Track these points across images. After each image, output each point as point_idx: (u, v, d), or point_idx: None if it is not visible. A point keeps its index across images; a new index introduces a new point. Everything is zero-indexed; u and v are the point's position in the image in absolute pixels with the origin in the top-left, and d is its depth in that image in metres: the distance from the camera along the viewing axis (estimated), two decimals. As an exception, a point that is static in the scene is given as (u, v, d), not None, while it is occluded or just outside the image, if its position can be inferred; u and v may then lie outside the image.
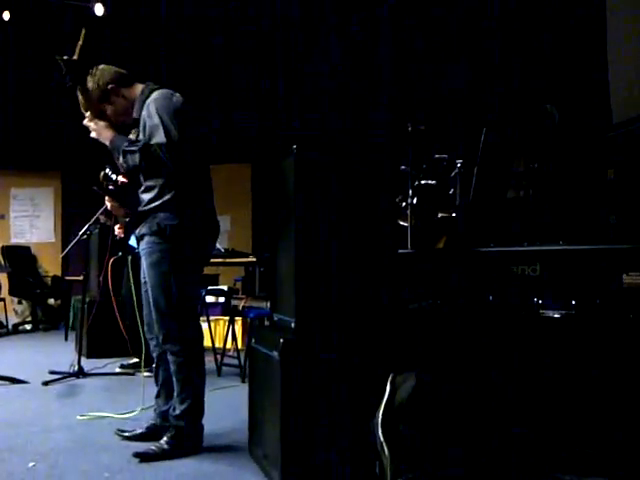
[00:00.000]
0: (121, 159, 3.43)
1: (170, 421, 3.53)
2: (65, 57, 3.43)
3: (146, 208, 3.49)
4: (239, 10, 9.40)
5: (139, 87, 3.60)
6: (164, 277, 3.42)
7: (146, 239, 3.48)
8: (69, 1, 9.34)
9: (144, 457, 3.37)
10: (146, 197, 3.50)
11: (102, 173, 3.72)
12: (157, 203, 3.44)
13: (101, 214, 6.11)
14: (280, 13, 9.25)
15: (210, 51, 9.85)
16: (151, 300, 3.50)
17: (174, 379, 3.52)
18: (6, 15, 9.41)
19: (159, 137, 3.33)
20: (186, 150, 3.38)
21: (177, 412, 3.48)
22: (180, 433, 3.46)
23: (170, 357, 3.50)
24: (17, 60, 10.02)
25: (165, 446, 3.44)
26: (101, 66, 3.61)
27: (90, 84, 3.55)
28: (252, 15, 9.41)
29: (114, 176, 3.63)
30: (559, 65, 6.28)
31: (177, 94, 3.52)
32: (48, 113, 10.19)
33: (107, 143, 3.49)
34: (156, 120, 3.36)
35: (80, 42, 3.49)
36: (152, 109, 3.40)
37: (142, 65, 3.77)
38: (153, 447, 3.44)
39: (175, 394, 3.52)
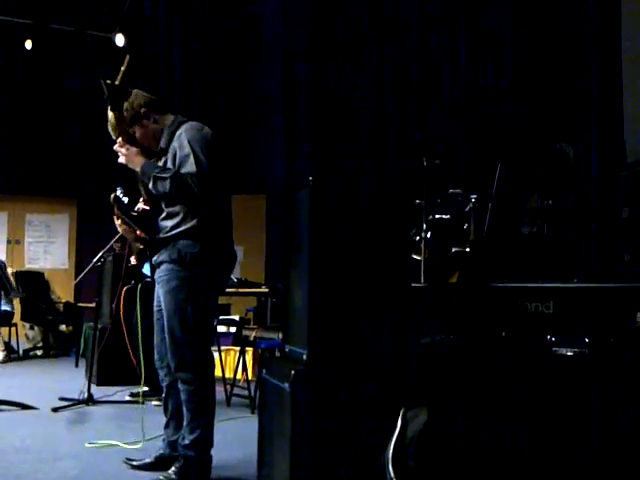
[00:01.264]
0: (151, 185, 3.44)
1: (179, 451, 3.50)
2: (108, 81, 3.47)
3: (167, 235, 3.50)
4: (256, 42, 9.51)
5: (170, 117, 3.66)
6: (181, 304, 3.42)
7: (164, 266, 3.50)
8: (90, 31, 9.50)
9: None
10: (168, 224, 3.51)
11: (113, 195, 3.75)
12: (179, 230, 3.45)
13: (116, 242, 6.15)
14: (295, 44, 9.34)
15: (227, 82, 9.96)
16: (166, 327, 3.48)
17: (184, 408, 3.49)
18: (28, 44, 9.56)
19: (189, 167, 3.37)
20: (213, 181, 3.41)
21: (186, 441, 3.45)
22: (188, 463, 3.42)
23: (181, 385, 3.49)
24: (35, 87, 10.16)
25: (173, 476, 3.41)
26: (136, 90, 3.67)
27: (125, 104, 3.58)
28: (269, 46, 9.51)
29: (125, 199, 3.64)
30: (575, 103, 6.30)
31: (206, 127, 3.57)
32: (65, 140, 10.31)
33: (137, 169, 3.51)
34: (187, 150, 3.40)
35: (123, 68, 3.52)
36: (184, 140, 3.45)
37: (160, 96, 3.83)
38: (161, 477, 3.42)
39: (185, 423, 3.49)
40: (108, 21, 9.61)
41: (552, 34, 6.59)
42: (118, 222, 3.87)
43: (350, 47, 8.71)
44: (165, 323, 3.50)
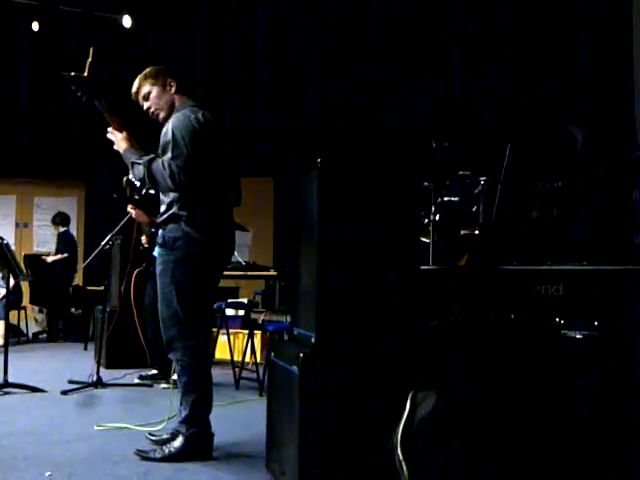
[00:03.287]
0: (130, 171, 3.63)
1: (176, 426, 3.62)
2: (73, 73, 3.55)
3: (158, 220, 3.67)
4: (264, 25, 9.45)
5: (183, 99, 3.74)
6: (166, 287, 3.57)
7: (157, 250, 3.68)
8: (98, 13, 9.45)
9: (144, 455, 3.53)
10: (161, 210, 3.67)
11: (125, 178, 3.85)
12: (165, 216, 3.60)
13: (127, 221, 6.14)
14: (300, 31, 9.28)
15: (235, 64, 9.91)
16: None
17: (178, 385, 3.65)
18: (35, 26, 9.52)
19: (169, 153, 3.47)
20: (197, 167, 3.48)
21: (180, 418, 3.58)
22: (181, 438, 3.53)
23: (175, 364, 3.65)
24: (44, 71, 10.13)
25: (166, 450, 3.52)
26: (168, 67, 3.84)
27: (157, 67, 3.77)
28: (275, 31, 9.46)
29: (138, 182, 3.73)
30: (585, 84, 6.25)
31: (200, 112, 3.62)
32: (73, 123, 10.29)
33: (121, 153, 3.66)
34: (169, 137, 3.51)
35: (90, 59, 3.62)
36: (169, 126, 3.56)
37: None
38: (157, 449, 3.56)
39: (179, 401, 3.62)
40: (115, 3, 9.58)
41: (564, 14, 6.53)
42: (130, 207, 3.96)
43: (357, 33, 8.66)
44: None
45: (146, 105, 3.76)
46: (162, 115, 3.74)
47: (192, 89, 3.81)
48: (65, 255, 9.52)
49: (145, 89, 3.74)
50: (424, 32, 7.98)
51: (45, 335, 9.65)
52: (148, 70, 3.77)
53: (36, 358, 7.72)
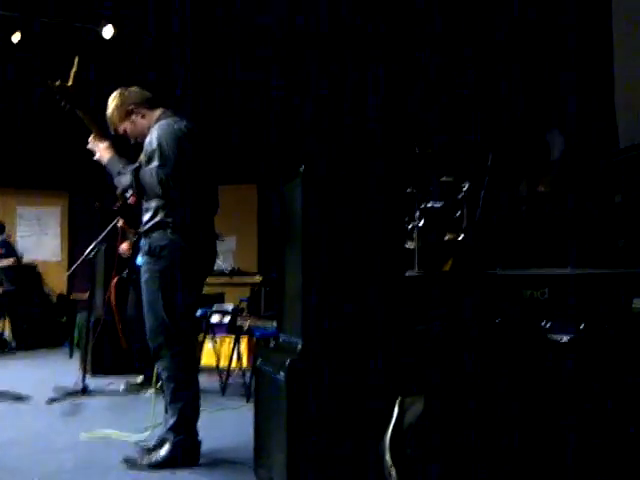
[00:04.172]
0: (115, 179, 3.63)
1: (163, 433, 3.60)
2: (57, 83, 3.55)
3: (143, 229, 3.65)
4: (245, 29, 9.45)
5: (157, 112, 3.76)
6: (152, 296, 3.57)
7: (142, 259, 3.66)
8: (77, 24, 9.42)
9: (131, 464, 3.51)
10: (144, 219, 3.66)
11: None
12: (151, 224, 3.59)
13: (114, 227, 6.13)
14: (284, 35, 9.28)
15: (218, 71, 9.91)
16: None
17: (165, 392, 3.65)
18: (16, 37, 9.48)
19: (155, 162, 3.49)
20: (182, 175, 3.50)
21: (167, 425, 3.57)
22: (168, 446, 3.52)
23: (161, 372, 3.64)
24: (25, 81, 10.08)
25: (153, 458, 3.51)
26: (132, 88, 3.82)
27: (116, 101, 3.75)
28: (258, 35, 9.45)
29: (121, 191, 3.73)
30: (566, 89, 6.30)
31: (183, 121, 3.65)
32: (56, 133, 10.24)
33: (105, 163, 3.67)
34: (155, 145, 3.52)
35: (74, 69, 3.64)
36: (153, 135, 3.57)
37: (148, 87, 3.89)
38: (145, 457, 3.54)
39: (166, 408, 3.62)
40: (96, 13, 9.55)
41: (545, 19, 6.58)
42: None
43: (340, 37, 8.67)
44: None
45: (131, 139, 3.81)
46: (145, 138, 3.74)
47: (168, 98, 3.82)
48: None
49: (120, 128, 3.78)
50: (406, 36, 8.01)
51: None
52: (110, 111, 3.77)
53: (21, 367, 7.67)
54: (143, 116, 3.74)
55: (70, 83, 3.60)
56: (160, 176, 3.43)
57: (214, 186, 3.85)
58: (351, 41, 8.49)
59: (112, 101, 3.77)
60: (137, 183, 3.49)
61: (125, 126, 3.76)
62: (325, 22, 8.65)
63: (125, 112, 3.74)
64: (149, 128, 3.69)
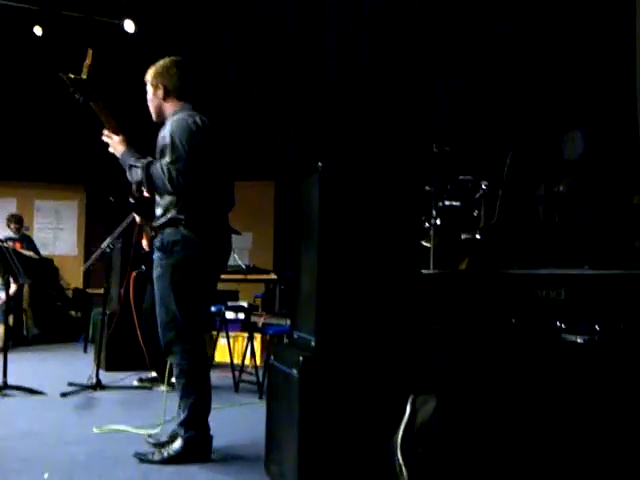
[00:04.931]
0: (127, 173, 3.61)
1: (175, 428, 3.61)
2: (72, 75, 3.55)
3: (156, 224, 3.66)
4: (267, 28, 9.45)
5: (178, 105, 3.73)
6: (164, 291, 3.57)
7: (155, 254, 3.67)
8: (99, 17, 9.46)
9: (143, 458, 3.53)
10: (157, 213, 3.67)
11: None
12: (163, 220, 3.60)
13: (127, 224, 6.14)
14: (302, 29, 9.27)
15: (236, 67, 9.91)
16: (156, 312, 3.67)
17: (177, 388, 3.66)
18: (38, 30, 9.53)
19: (167, 157, 3.48)
20: (194, 172, 3.48)
21: (179, 420, 3.57)
22: (179, 441, 3.53)
23: (173, 367, 3.66)
24: (45, 74, 10.14)
25: (165, 453, 3.52)
26: (175, 70, 3.75)
27: (159, 69, 3.75)
28: (275, 34, 9.44)
29: (134, 186, 3.75)
30: (586, 89, 6.25)
31: (198, 116, 3.63)
32: (74, 127, 10.28)
33: (118, 157, 3.66)
34: (167, 140, 3.51)
35: (88, 61, 3.63)
36: (167, 130, 3.56)
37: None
38: (156, 451, 3.55)
39: (178, 403, 3.62)
40: (117, 7, 9.59)
41: (563, 16, 6.53)
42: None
43: (357, 31, 8.65)
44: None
45: (149, 107, 3.82)
46: (154, 117, 3.79)
47: (191, 94, 3.79)
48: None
49: (147, 88, 3.78)
50: (423, 34, 7.97)
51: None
52: (152, 71, 3.77)
53: (35, 360, 7.71)
54: (166, 100, 3.72)
55: (84, 76, 3.59)
56: (171, 172, 3.41)
57: (230, 182, 3.83)
58: (369, 36, 8.47)
59: (159, 64, 3.76)
60: (147, 178, 3.49)
61: (151, 93, 3.75)
62: (344, 15, 8.63)
63: (157, 84, 3.72)
64: (166, 116, 3.70)
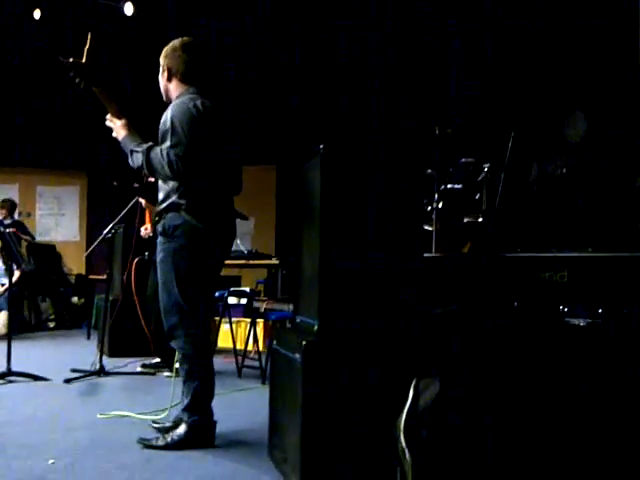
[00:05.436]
0: (129, 158, 3.60)
1: (178, 414, 3.62)
2: (71, 59, 3.54)
3: (158, 209, 3.65)
4: (266, 12, 9.40)
5: (183, 88, 3.70)
6: (166, 276, 3.57)
7: (158, 238, 3.67)
8: (99, 0, 9.40)
9: (147, 444, 3.53)
10: (159, 198, 3.66)
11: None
12: (165, 205, 3.58)
13: (133, 207, 6.14)
14: (300, 17, 9.22)
15: (237, 52, 9.87)
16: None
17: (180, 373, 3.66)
18: (37, 14, 9.49)
19: (168, 141, 3.46)
20: (196, 156, 3.47)
21: (182, 406, 3.58)
22: (183, 426, 3.53)
23: (176, 353, 3.69)
24: (46, 59, 10.10)
25: (169, 438, 3.52)
26: (185, 55, 3.70)
27: (170, 51, 3.72)
28: (276, 18, 9.39)
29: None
30: (589, 71, 6.21)
31: (199, 100, 3.59)
32: (75, 113, 10.26)
33: (120, 141, 3.65)
34: (168, 125, 3.49)
35: (87, 46, 3.61)
36: (168, 115, 3.54)
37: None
38: (160, 437, 3.56)
39: (182, 389, 3.62)
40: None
41: (567, 2, 6.49)
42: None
43: (360, 17, 8.60)
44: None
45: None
46: (164, 98, 3.78)
47: (198, 77, 3.75)
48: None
49: (161, 67, 3.75)
50: (426, 19, 7.93)
51: (50, 324, 9.66)
52: (165, 51, 3.75)
53: (39, 347, 7.73)
54: (170, 81, 3.70)
55: (84, 60, 3.57)
56: (170, 157, 3.40)
57: (236, 166, 3.80)
58: (372, 22, 8.42)
59: (169, 46, 3.74)
60: (148, 163, 3.47)
61: (160, 72, 3.74)
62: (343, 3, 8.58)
63: (164, 65, 3.71)
64: (171, 98, 3.69)
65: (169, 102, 3.69)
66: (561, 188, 4.27)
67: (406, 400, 2.68)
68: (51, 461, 3.24)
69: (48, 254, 10.35)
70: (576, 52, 6.37)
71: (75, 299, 10.07)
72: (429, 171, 4.29)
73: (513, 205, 4.13)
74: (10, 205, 9.59)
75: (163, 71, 3.72)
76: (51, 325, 9.66)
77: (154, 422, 3.85)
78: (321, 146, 2.99)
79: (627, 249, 3.19)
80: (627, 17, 5.88)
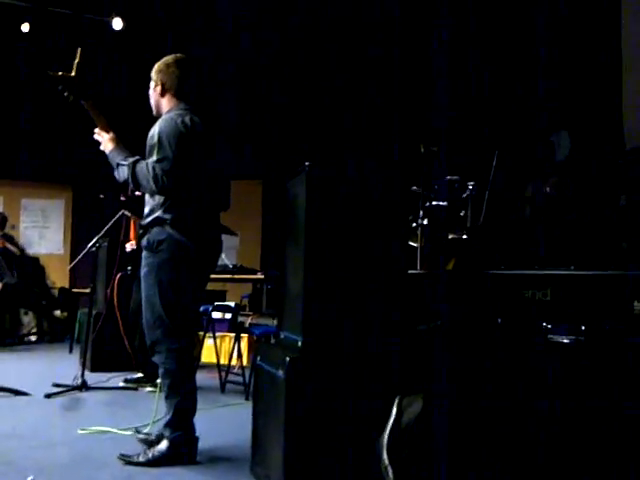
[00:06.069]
0: (115, 171, 3.60)
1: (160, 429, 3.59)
2: (60, 73, 3.54)
3: (143, 223, 3.63)
4: (254, 28, 9.44)
5: (173, 103, 3.70)
6: (150, 290, 3.56)
7: (143, 253, 3.65)
8: (88, 15, 9.42)
9: (128, 460, 3.49)
10: (145, 212, 3.66)
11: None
12: (150, 219, 3.58)
13: (117, 221, 6.12)
14: (287, 34, 9.26)
15: (224, 67, 9.89)
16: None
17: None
18: (25, 27, 9.48)
19: (154, 156, 3.46)
20: (182, 171, 3.46)
21: (164, 421, 3.55)
22: (165, 442, 3.50)
23: (159, 367, 3.64)
24: (33, 72, 10.08)
25: (150, 454, 3.49)
26: (176, 70, 3.71)
27: (162, 67, 3.72)
28: (262, 34, 9.43)
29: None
30: (573, 91, 6.27)
31: (187, 117, 3.59)
32: (61, 125, 10.24)
33: (107, 154, 3.66)
34: (155, 140, 3.49)
35: (77, 60, 3.62)
36: (156, 129, 3.55)
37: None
38: (141, 453, 3.52)
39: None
40: (105, 5, 9.55)
41: (551, 21, 6.55)
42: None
43: (342, 38, 8.66)
44: None
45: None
46: (154, 112, 3.78)
47: (190, 93, 3.76)
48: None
49: (151, 83, 3.76)
50: (410, 37, 7.99)
51: (32, 337, 9.58)
52: (156, 67, 3.76)
53: (20, 361, 7.65)
54: (163, 97, 3.70)
55: (73, 74, 3.58)
56: (156, 171, 3.40)
57: (224, 183, 3.81)
58: (356, 39, 8.46)
59: (162, 61, 3.74)
60: (133, 176, 3.47)
61: (151, 88, 3.74)
62: (332, 20, 8.63)
63: (157, 81, 3.71)
64: (162, 113, 3.69)
65: (159, 116, 3.69)
66: (546, 206, 4.30)
67: (389, 417, 2.68)
68: (30, 478, 3.20)
69: (31, 267, 10.28)
70: (560, 71, 6.43)
71: (58, 312, 9.99)
72: (414, 188, 4.30)
73: (497, 223, 4.15)
74: (1, 219, 9.54)
75: (156, 86, 3.72)
76: (33, 339, 9.56)
77: (138, 431, 3.84)
78: (306, 163, 3.00)
79: (610, 267, 3.21)
80: (610, 38, 5.95)
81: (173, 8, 9.82)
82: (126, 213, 4.89)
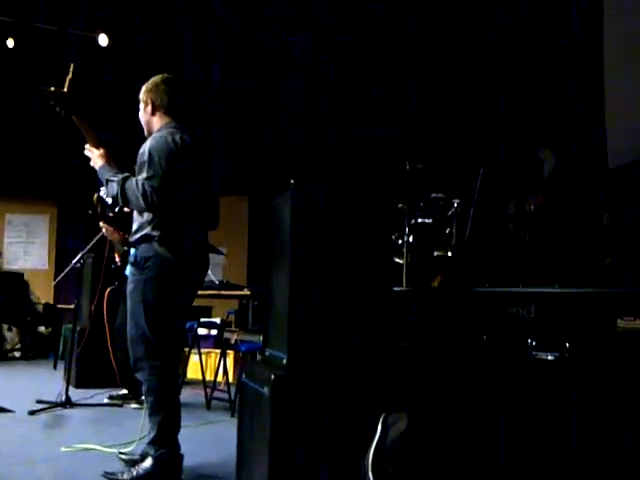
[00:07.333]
0: (104, 188, 3.62)
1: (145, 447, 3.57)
2: (52, 89, 3.55)
3: (131, 240, 3.64)
4: (241, 44, 9.47)
5: (164, 121, 3.71)
6: (135, 307, 3.55)
7: (128, 269, 3.65)
8: (74, 31, 9.42)
9: (112, 478, 3.48)
10: (133, 228, 3.65)
11: (96, 195, 3.86)
12: (138, 236, 3.58)
13: (102, 236, 6.11)
14: (273, 51, 9.31)
15: (211, 83, 9.92)
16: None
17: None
18: (10, 43, 9.47)
19: (144, 173, 3.46)
20: (172, 189, 3.47)
21: (148, 439, 3.53)
22: (150, 460, 3.48)
23: (142, 384, 3.62)
24: (17, 88, 10.07)
25: (134, 472, 3.47)
26: (166, 87, 3.73)
27: (152, 86, 3.74)
28: (250, 50, 9.47)
29: (109, 199, 3.72)
30: (557, 110, 6.33)
31: (178, 135, 3.60)
32: (46, 141, 10.22)
33: (97, 170, 3.66)
34: (145, 157, 3.50)
35: (70, 76, 3.63)
36: (147, 146, 3.55)
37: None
38: (126, 471, 3.51)
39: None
40: (91, 21, 9.56)
41: (535, 40, 6.62)
42: (102, 224, 3.93)
43: (330, 56, 8.71)
44: None
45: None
46: (145, 132, 3.78)
47: (179, 110, 3.78)
48: None
49: (140, 105, 3.77)
50: (395, 55, 8.04)
51: (15, 353, 9.52)
52: (145, 86, 3.77)
53: (4, 377, 7.60)
54: (154, 115, 3.72)
55: (65, 89, 3.58)
56: (145, 188, 3.40)
57: (213, 202, 3.82)
58: (342, 57, 8.51)
59: (150, 81, 3.75)
60: (122, 193, 3.47)
61: (141, 108, 3.76)
62: (315, 37, 8.68)
63: (147, 100, 3.72)
64: (148, 127, 3.72)
65: (150, 135, 3.70)
66: (529, 224, 4.33)
67: (374, 435, 2.69)
68: (13, 496, 3.19)
69: (15, 282, 10.23)
70: (544, 92, 6.49)
71: (42, 328, 9.94)
72: (400, 205, 4.32)
73: (482, 240, 4.18)
74: None
75: (146, 106, 3.73)
76: (17, 355, 9.51)
77: (121, 453, 3.80)
78: (292, 181, 3.01)
79: (593, 285, 3.24)
80: (592, 57, 6.02)
81: (159, 25, 9.84)
82: (103, 228, 4.85)
